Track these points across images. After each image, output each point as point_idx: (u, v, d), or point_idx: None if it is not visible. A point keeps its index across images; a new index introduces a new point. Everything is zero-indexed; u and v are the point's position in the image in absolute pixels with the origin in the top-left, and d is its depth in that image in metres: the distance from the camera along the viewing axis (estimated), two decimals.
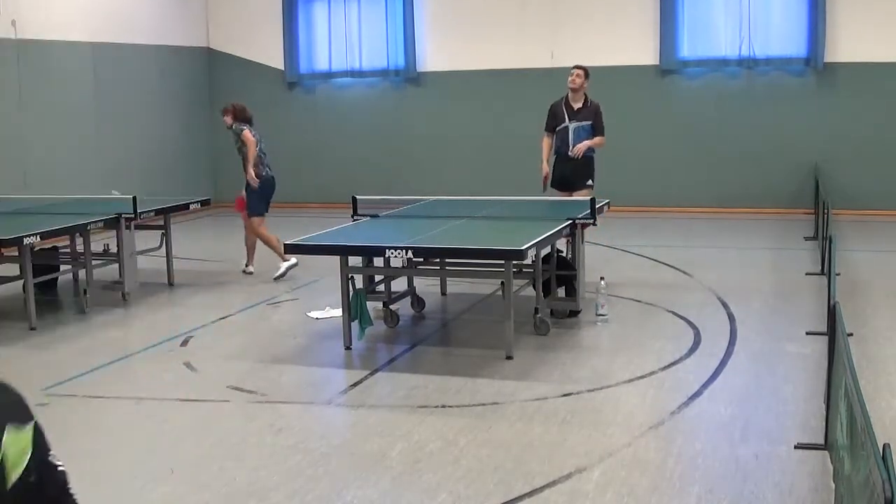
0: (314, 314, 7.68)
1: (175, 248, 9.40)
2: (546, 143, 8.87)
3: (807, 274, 8.76)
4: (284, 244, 6.72)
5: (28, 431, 1.77)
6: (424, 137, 14.37)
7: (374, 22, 14.32)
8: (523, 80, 13.69)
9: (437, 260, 7.47)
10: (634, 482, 4.29)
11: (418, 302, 7.76)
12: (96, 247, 8.73)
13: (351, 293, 6.61)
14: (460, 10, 13.99)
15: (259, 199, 9.55)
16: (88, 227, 8.12)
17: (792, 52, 12.75)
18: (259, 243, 9.61)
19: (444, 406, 5.43)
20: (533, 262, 7.00)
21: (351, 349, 6.65)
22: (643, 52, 13.22)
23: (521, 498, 4.16)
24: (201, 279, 9.39)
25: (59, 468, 1.85)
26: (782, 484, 4.24)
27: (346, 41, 14.48)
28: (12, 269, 8.22)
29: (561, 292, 7.53)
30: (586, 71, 8.67)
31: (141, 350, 6.84)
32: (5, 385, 1.75)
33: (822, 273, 8.37)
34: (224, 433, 5.10)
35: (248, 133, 9.37)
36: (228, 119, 9.51)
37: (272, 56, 14.84)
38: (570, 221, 7.12)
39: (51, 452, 1.91)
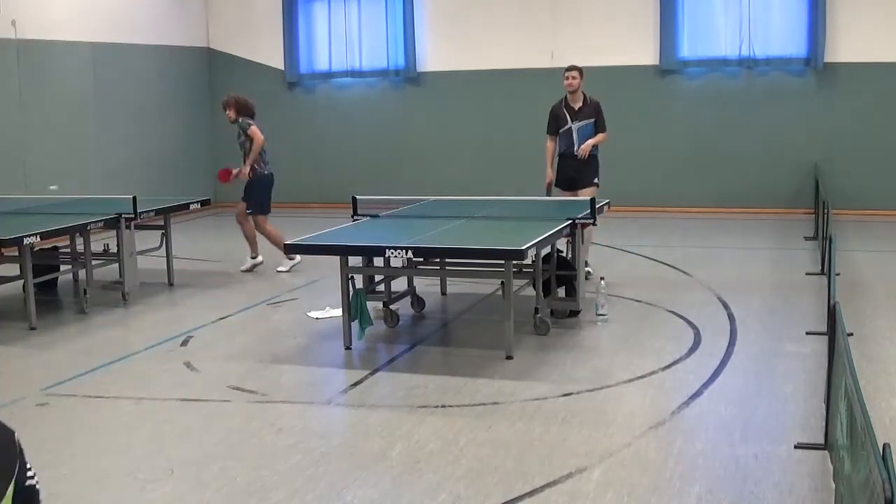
0: (314, 314, 7.68)
1: (175, 248, 9.40)
2: (550, 147, 8.88)
3: (807, 274, 8.76)
4: (285, 244, 6.72)
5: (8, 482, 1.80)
6: (424, 137, 14.37)
7: (374, 22, 14.32)
8: (523, 80, 13.69)
9: (437, 260, 7.47)
10: (634, 482, 4.29)
11: (418, 302, 7.76)
12: (96, 247, 8.73)
13: (351, 293, 6.62)
14: (460, 10, 13.99)
15: (262, 197, 9.58)
16: (88, 227, 8.12)
17: (792, 52, 12.75)
18: (257, 240, 9.67)
19: (444, 406, 5.43)
20: (533, 262, 7.00)
21: (351, 349, 6.65)
22: (643, 52, 13.22)
23: (521, 498, 4.16)
24: (201, 279, 9.39)
25: (35, 486, 1.88)
26: (782, 484, 4.24)
27: (346, 41, 14.47)
28: (12, 269, 8.22)
29: (561, 292, 7.53)
30: (580, 71, 8.69)
31: (141, 350, 6.84)
32: None
33: (822, 273, 8.38)
34: (224, 433, 5.10)
35: (256, 129, 9.36)
36: (232, 113, 9.47)
37: (272, 56, 14.84)
38: (570, 221, 7.12)
39: (28, 473, 1.94)
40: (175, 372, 6.27)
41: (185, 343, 6.97)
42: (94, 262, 8.38)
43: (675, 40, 13.08)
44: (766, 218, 12.58)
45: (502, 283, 6.43)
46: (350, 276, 6.66)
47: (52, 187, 9.75)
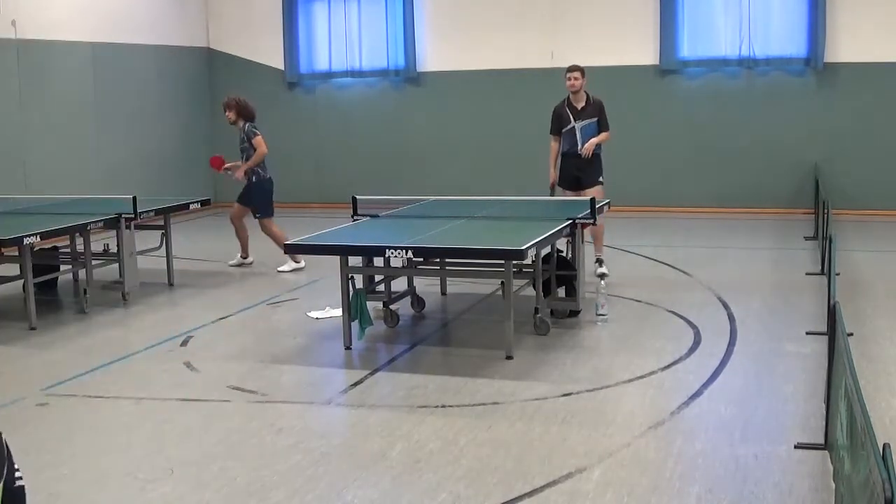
0: (314, 314, 7.68)
1: (175, 248, 9.41)
2: (554, 148, 8.91)
3: (807, 274, 8.76)
4: (285, 244, 6.72)
5: None
6: (424, 137, 14.37)
7: (374, 22, 14.32)
8: (523, 80, 13.69)
9: (437, 260, 7.47)
10: (634, 482, 4.29)
11: (418, 302, 7.76)
12: (96, 247, 8.73)
13: (351, 293, 6.62)
14: (460, 11, 13.99)
15: (264, 200, 9.65)
16: (88, 227, 8.12)
17: (792, 52, 12.74)
18: (251, 239, 9.72)
19: (444, 406, 5.43)
20: (533, 262, 7.00)
21: (351, 349, 6.66)
22: (643, 52, 13.22)
23: (521, 498, 4.16)
24: (201, 279, 9.40)
25: (23, 487, 1.89)
26: (782, 484, 4.24)
27: (346, 41, 14.47)
28: (12, 269, 8.22)
29: (561, 292, 7.53)
30: (582, 71, 8.72)
31: (141, 350, 6.84)
32: None
33: (822, 273, 8.38)
34: (224, 433, 5.10)
35: (261, 140, 9.46)
36: (232, 115, 9.55)
37: (272, 56, 14.84)
38: (570, 221, 7.12)
39: (16, 473, 1.95)
40: (175, 372, 6.27)
41: (185, 343, 6.98)
42: (94, 262, 8.38)
43: (675, 40, 13.08)
44: (766, 218, 12.58)
45: (502, 283, 6.44)
46: (350, 276, 6.66)
47: None
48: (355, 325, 6.62)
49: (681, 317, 7.35)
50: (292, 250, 7.84)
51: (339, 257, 6.70)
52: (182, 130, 14.62)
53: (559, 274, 7.43)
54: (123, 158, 13.33)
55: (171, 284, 9.06)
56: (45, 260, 8.94)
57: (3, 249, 7.64)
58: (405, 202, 8.89)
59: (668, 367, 6.06)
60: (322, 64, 14.74)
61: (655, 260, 9.81)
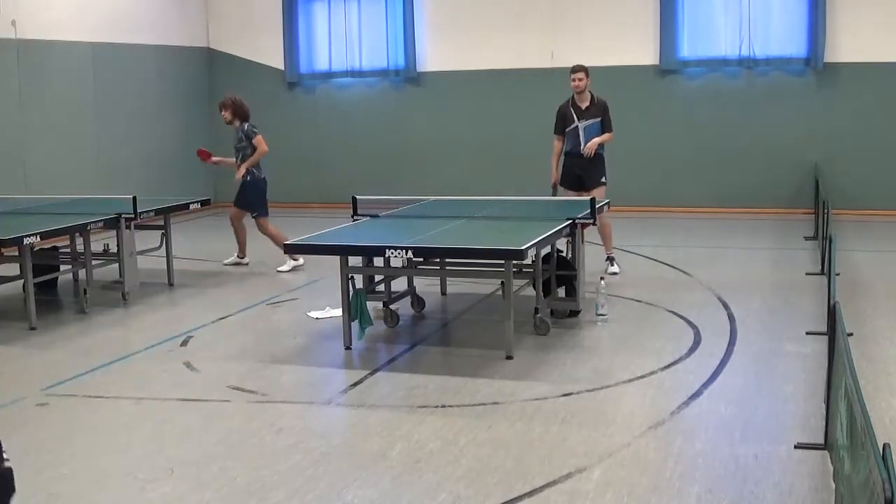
0: (314, 314, 7.68)
1: (175, 248, 9.41)
2: (557, 147, 8.96)
3: (807, 274, 8.76)
4: (285, 244, 6.72)
5: None
6: (424, 137, 14.37)
7: (374, 22, 14.32)
8: (523, 81, 13.69)
9: (437, 260, 7.47)
10: (634, 482, 4.29)
11: (418, 302, 7.76)
12: (96, 247, 8.73)
13: (351, 293, 6.62)
14: (460, 11, 13.99)
15: (259, 200, 9.67)
16: (88, 227, 8.12)
17: (792, 52, 12.74)
18: (250, 240, 9.72)
19: (444, 406, 5.43)
20: (533, 262, 7.00)
21: (351, 349, 6.66)
22: (643, 52, 13.22)
23: (521, 498, 4.16)
24: (201, 279, 9.40)
25: (10, 468, 1.90)
26: (782, 484, 4.24)
27: (346, 41, 14.48)
28: (12, 269, 8.22)
29: (561, 292, 7.53)
30: (586, 71, 8.75)
31: (141, 350, 6.84)
32: None
33: (822, 273, 8.38)
34: (224, 433, 5.10)
35: (262, 140, 9.51)
36: (228, 114, 9.61)
37: (272, 56, 14.84)
38: (570, 221, 7.12)
39: (4, 455, 1.96)
40: (175, 372, 6.27)
41: (185, 343, 6.98)
42: (94, 262, 8.38)
43: (675, 40, 13.08)
44: (766, 218, 12.58)
45: (502, 283, 6.43)
46: (350, 276, 6.66)
47: None
48: (355, 325, 6.63)
49: (681, 317, 7.35)
50: (292, 250, 7.84)
51: (339, 257, 6.70)
52: (182, 130, 14.61)
53: (559, 274, 7.43)
54: (123, 158, 13.33)
55: (171, 284, 9.06)
56: (45, 260, 8.94)
57: (3, 249, 7.64)
58: (405, 202, 8.89)
59: (668, 367, 6.06)
60: (322, 64, 14.74)
61: (655, 260, 9.82)
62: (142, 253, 8.84)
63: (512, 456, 4.62)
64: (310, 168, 14.89)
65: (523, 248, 6.09)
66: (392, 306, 7.31)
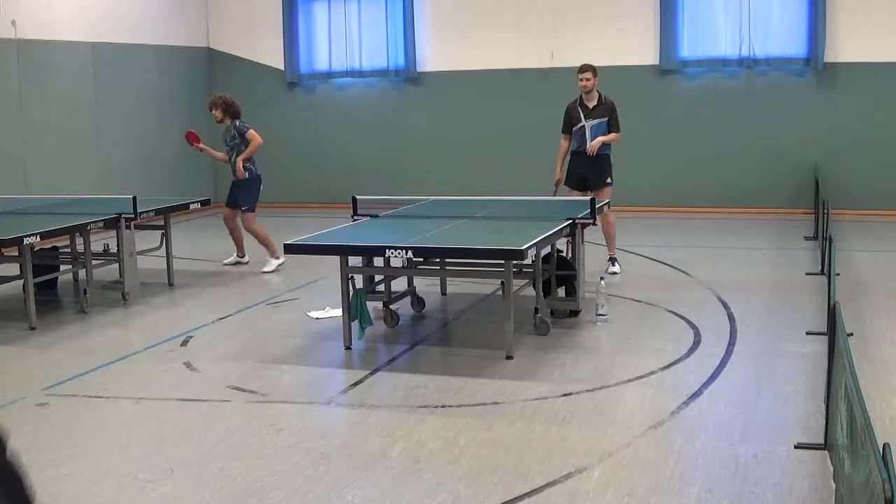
0: (314, 314, 7.68)
1: (175, 248, 9.41)
2: (563, 146, 8.97)
3: (807, 274, 8.76)
4: (285, 244, 6.72)
5: None
6: (424, 137, 14.37)
7: (374, 22, 14.32)
8: (523, 80, 13.69)
9: (437, 260, 7.47)
10: (634, 482, 4.29)
11: (418, 302, 7.76)
12: (96, 247, 8.73)
13: (351, 293, 6.62)
14: (460, 11, 13.99)
15: (253, 195, 9.68)
16: (88, 227, 8.12)
17: (792, 52, 12.75)
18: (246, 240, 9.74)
19: (444, 406, 5.43)
20: (533, 262, 7.00)
21: (351, 349, 6.66)
22: (643, 52, 13.22)
23: (520, 498, 4.16)
24: (201, 279, 9.40)
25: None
26: (782, 484, 4.24)
27: (346, 41, 14.48)
28: (12, 269, 8.22)
29: (561, 292, 7.53)
30: (594, 70, 8.77)
31: (141, 350, 6.84)
32: None
33: (822, 273, 8.38)
34: (224, 433, 5.10)
35: (255, 132, 9.52)
36: (219, 113, 9.65)
37: (272, 56, 14.85)
38: (570, 221, 7.12)
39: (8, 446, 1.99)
40: (175, 372, 6.27)
41: (185, 343, 6.98)
42: (94, 262, 8.38)
43: (675, 40, 13.08)
44: (766, 218, 12.58)
45: (502, 283, 6.43)
46: (350, 276, 6.66)
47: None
48: (355, 325, 6.62)
49: (681, 317, 7.35)
50: (292, 251, 7.83)
51: (339, 257, 6.70)
52: (182, 130, 14.55)
53: (559, 274, 7.43)
54: (123, 158, 13.33)
55: (171, 284, 9.06)
56: (45, 260, 8.94)
57: (3, 249, 7.64)
58: (405, 202, 8.89)
59: (668, 367, 6.06)
60: (322, 64, 14.74)
61: (655, 260, 9.82)
62: (142, 253, 8.84)
63: (512, 456, 4.63)
64: (309, 168, 14.89)
65: (523, 248, 6.09)
66: (392, 306, 7.31)
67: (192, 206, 9.68)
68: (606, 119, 8.82)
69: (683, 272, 9.15)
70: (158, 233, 9.25)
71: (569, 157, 8.99)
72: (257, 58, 14.98)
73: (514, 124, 13.80)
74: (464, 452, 4.68)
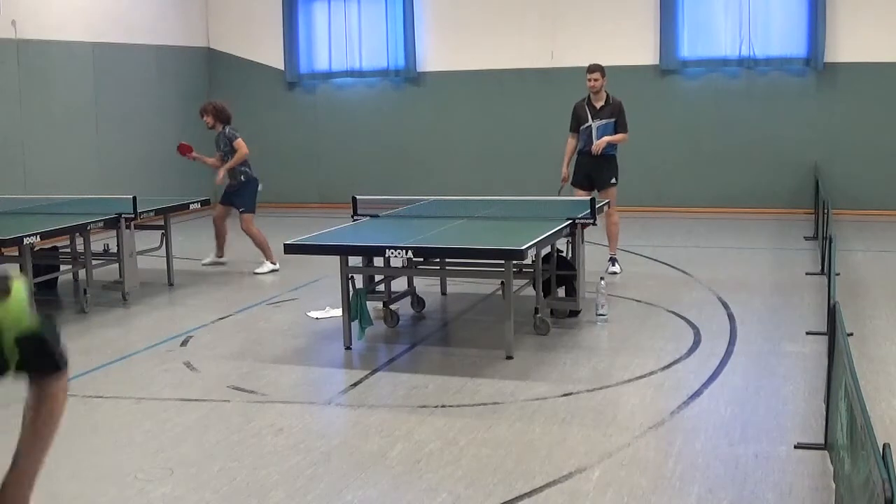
0: (314, 314, 7.68)
1: (175, 248, 9.41)
2: (570, 145, 8.99)
3: (807, 274, 8.76)
4: (285, 244, 6.72)
5: (17, 291, 2.09)
6: (424, 137, 14.37)
7: (374, 22, 14.32)
8: (523, 80, 13.69)
9: (437, 260, 7.47)
10: (634, 482, 4.29)
11: (418, 302, 7.76)
12: (96, 247, 8.73)
13: (351, 293, 6.62)
14: (460, 11, 14.00)
15: (249, 198, 9.70)
16: (88, 227, 8.12)
17: (792, 52, 12.75)
18: (236, 240, 9.77)
19: (444, 406, 5.43)
20: (533, 262, 7.00)
21: (351, 349, 6.65)
22: (643, 52, 13.22)
23: (520, 498, 4.16)
24: (201, 279, 9.40)
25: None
26: (782, 484, 4.24)
27: (346, 41, 14.48)
28: (12, 269, 8.20)
29: (561, 292, 7.53)
30: (602, 71, 8.80)
31: (141, 350, 6.84)
32: None
33: (822, 273, 8.38)
34: (224, 433, 5.10)
35: (242, 142, 9.59)
36: (209, 120, 9.75)
37: (272, 56, 14.84)
38: (570, 221, 7.12)
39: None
40: (175, 372, 6.27)
41: (185, 343, 6.98)
42: (94, 262, 8.38)
43: (675, 40, 13.08)
44: (766, 218, 12.58)
45: (502, 283, 6.43)
46: (350, 276, 6.66)
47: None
48: (355, 325, 6.62)
49: (681, 317, 7.35)
50: (293, 251, 7.83)
51: (339, 257, 6.70)
52: (182, 130, 14.55)
53: (559, 274, 7.43)
54: (123, 158, 13.33)
55: (171, 284, 9.06)
56: (45, 260, 8.94)
57: (3, 249, 7.64)
58: (405, 202, 8.89)
59: (668, 367, 6.06)
60: (322, 64, 14.74)
61: (655, 260, 9.82)
62: (142, 253, 8.84)
63: (512, 456, 4.62)
64: (309, 168, 14.89)
65: (523, 248, 6.09)
66: (392, 306, 7.31)
67: (191, 206, 9.69)
68: (614, 120, 8.84)
69: (683, 272, 9.15)
70: (158, 233, 9.25)
71: (575, 156, 9.00)
72: (257, 58, 14.97)
73: (514, 124, 13.80)
74: (464, 452, 4.68)
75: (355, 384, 5.92)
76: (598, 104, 8.84)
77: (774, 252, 10.28)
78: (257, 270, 9.54)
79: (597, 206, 7.37)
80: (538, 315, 6.89)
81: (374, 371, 6.20)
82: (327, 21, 14.56)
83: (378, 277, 7.36)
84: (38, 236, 7.44)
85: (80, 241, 8.64)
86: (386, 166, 14.39)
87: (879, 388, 5.46)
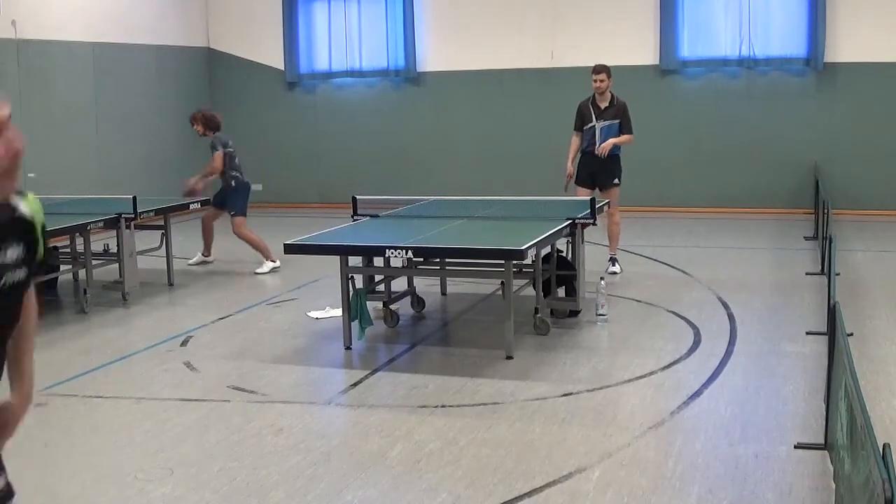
0: (314, 314, 7.68)
1: (175, 248, 9.41)
2: (574, 143, 9.00)
3: (807, 274, 8.76)
4: (285, 244, 6.71)
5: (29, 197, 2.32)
6: (424, 137, 14.37)
7: (374, 22, 14.32)
8: (523, 80, 13.69)
9: (437, 260, 7.47)
10: (634, 482, 4.29)
11: (418, 302, 7.76)
12: (96, 247, 8.73)
13: (351, 293, 6.61)
14: (460, 11, 13.99)
15: (239, 201, 9.74)
16: (88, 227, 8.12)
17: (792, 52, 12.75)
18: (225, 241, 9.79)
19: (444, 406, 5.43)
20: (533, 262, 7.00)
21: (351, 349, 6.65)
22: (643, 52, 13.22)
23: (520, 498, 4.16)
24: (201, 279, 9.40)
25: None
26: (782, 484, 4.24)
27: (346, 41, 14.47)
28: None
29: (561, 292, 7.53)
30: (608, 72, 8.82)
31: (141, 350, 6.84)
32: None
33: (822, 273, 8.38)
34: (224, 433, 5.10)
35: (220, 157, 9.59)
36: (200, 128, 9.89)
37: (272, 56, 14.84)
38: (570, 221, 7.12)
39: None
40: (175, 372, 6.27)
41: (185, 343, 6.97)
42: (94, 262, 8.38)
43: (675, 40, 13.08)
44: (766, 218, 12.58)
45: (502, 283, 6.43)
46: (350, 276, 6.66)
47: (29, 174, 9.81)
48: (355, 325, 6.62)
49: (681, 317, 7.35)
50: (293, 251, 7.83)
51: (339, 257, 6.70)
52: (182, 130, 14.52)
53: (559, 274, 7.43)
54: (123, 158, 13.33)
55: (171, 284, 9.06)
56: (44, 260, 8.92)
57: None
58: (405, 202, 8.89)
59: (668, 367, 6.06)
60: (322, 64, 14.74)
61: (655, 260, 9.82)
62: (142, 253, 8.85)
63: (512, 456, 4.62)
64: (310, 168, 14.88)
65: (523, 248, 6.09)
66: (392, 306, 7.31)
67: (192, 206, 9.69)
68: (618, 121, 8.85)
69: (683, 272, 9.15)
70: (158, 233, 9.25)
71: (579, 154, 9.01)
72: (257, 58, 14.97)
73: (514, 124, 13.80)
74: (464, 452, 4.68)
75: (355, 384, 5.92)
76: (603, 105, 8.85)
77: (774, 252, 10.28)
78: (258, 271, 9.54)
79: (597, 206, 7.38)
80: (538, 315, 6.89)
81: (374, 371, 6.20)
82: (327, 21, 14.56)
83: (378, 277, 7.36)
84: None
85: (80, 241, 8.64)
86: (386, 166, 14.39)
87: (879, 388, 5.46)
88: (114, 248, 8.76)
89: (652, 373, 5.94)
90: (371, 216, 7.82)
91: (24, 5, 11.70)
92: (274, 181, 14.21)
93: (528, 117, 13.67)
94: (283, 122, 14.77)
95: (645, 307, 7.75)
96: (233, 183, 9.70)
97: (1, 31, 11.36)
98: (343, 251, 6.70)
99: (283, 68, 14.80)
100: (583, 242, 7.40)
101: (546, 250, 7.23)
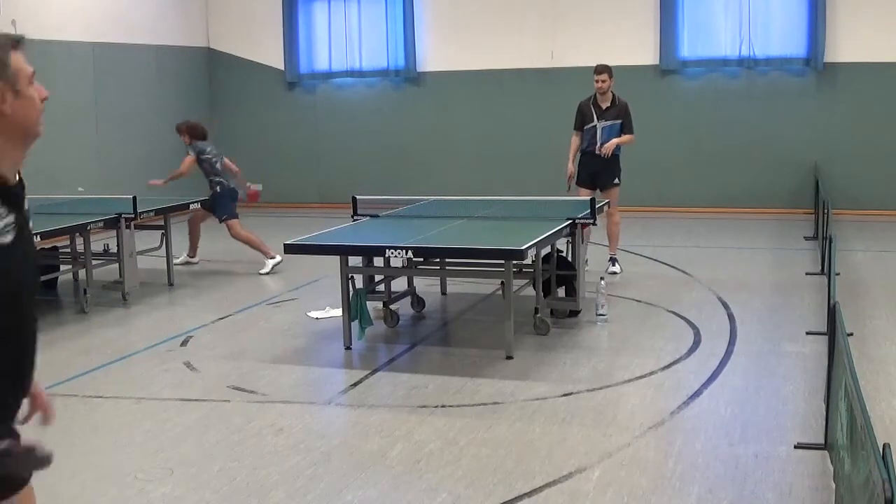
0: (314, 314, 7.68)
1: (175, 248, 9.42)
2: (574, 142, 8.99)
3: (807, 274, 8.76)
4: (285, 244, 6.72)
5: None
6: (424, 137, 14.37)
7: (374, 22, 14.32)
8: (523, 80, 13.69)
9: (437, 260, 7.47)
10: (634, 482, 4.29)
11: (418, 302, 7.76)
12: (96, 247, 8.73)
13: (351, 293, 6.62)
14: (460, 11, 13.99)
15: (227, 205, 9.85)
16: (88, 227, 8.12)
17: (792, 52, 12.75)
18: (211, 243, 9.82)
19: (444, 406, 5.43)
20: (533, 262, 7.00)
21: (351, 349, 6.66)
22: (643, 52, 13.21)
23: (520, 498, 4.16)
24: (201, 279, 9.40)
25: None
26: (782, 484, 4.24)
27: (346, 41, 14.47)
28: None
29: (561, 292, 7.53)
30: (610, 72, 8.82)
31: (141, 350, 6.84)
32: None
33: (822, 273, 8.38)
34: (224, 433, 5.10)
35: (190, 161, 9.75)
36: (186, 138, 10.03)
37: (272, 56, 14.84)
38: (570, 221, 7.12)
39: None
40: (175, 372, 6.27)
41: (185, 343, 6.98)
42: (94, 262, 8.38)
43: (675, 40, 13.08)
44: (766, 218, 12.58)
45: (502, 283, 6.43)
46: (350, 276, 6.66)
47: (79, 189, 9.90)
48: (355, 325, 6.62)
49: (681, 317, 7.35)
50: (293, 251, 7.83)
51: (339, 257, 6.70)
52: None
53: (559, 274, 7.43)
54: (123, 158, 13.32)
55: (171, 284, 9.06)
56: (45, 260, 8.93)
57: None
58: (405, 202, 8.89)
59: (668, 367, 6.06)
60: (322, 64, 14.74)
61: (655, 260, 9.82)
62: (142, 253, 8.85)
63: (512, 456, 4.63)
64: (310, 168, 14.89)
65: (523, 248, 6.09)
66: (392, 306, 7.31)
67: (192, 206, 9.70)
68: (620, 122, 8.84)
69: (683, 272, 9.15)
70: (158, 233, 9.26)
71: (579, 154, 9.01)
72: (257, 58, 14.98)
73: (514, 124, 13.80)
74: (464, 452, 4.68)
75: (355, 384, 5.92)
76: (605, 105, 8.84)
77: (774, 252, 10.28)
78: (262, 271, 9.53)
79: (596, 207, 7.38)
80: (538, 315, 6.89)
81: (374, 371, 6.20)
82: (327, 21, 14.56)
83: (378, 277, 7.36)
84: (38, 236, 7.43)
85: (80, 241, 8.64)
86: (386, 166, 14.39)
87: (879, 388, 5.46)
88: (114, 248, 8.76)
89: (652, 373, 5.94)
90: (371, 216, 7.82)
91: (24, 5, 11.70)
92: (274, 181, 14.19)
93: (528, 117, 13.67)
94: (283, 122, 14.78)
95: (645, 307, 7.75)
96: (218, 189, 9.78)
97: (1, 30, 11.35)
98: (343, 251, 6.70)
99: (283, 68, 14.80)
100: (583, 242, 7.40)
101: (546, 250, 7.23)
